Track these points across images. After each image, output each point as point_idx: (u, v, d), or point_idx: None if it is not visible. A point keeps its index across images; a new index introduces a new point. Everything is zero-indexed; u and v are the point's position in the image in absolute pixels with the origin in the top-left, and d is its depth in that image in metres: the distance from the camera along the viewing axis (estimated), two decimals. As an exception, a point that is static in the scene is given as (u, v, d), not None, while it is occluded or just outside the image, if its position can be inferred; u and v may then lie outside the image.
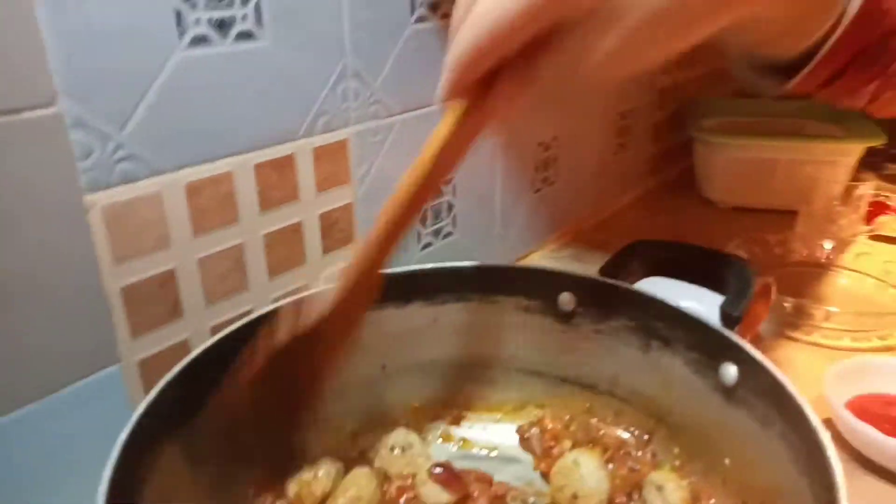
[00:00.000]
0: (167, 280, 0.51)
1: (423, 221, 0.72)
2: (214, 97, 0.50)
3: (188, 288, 0.52)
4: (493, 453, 0.50)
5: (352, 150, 0.61)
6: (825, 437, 0.31)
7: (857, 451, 0.51)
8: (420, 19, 0.64)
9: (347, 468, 0.45)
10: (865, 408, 0.52)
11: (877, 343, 0.68)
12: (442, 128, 0.33)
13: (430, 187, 0.36)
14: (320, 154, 0.58)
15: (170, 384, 0.37)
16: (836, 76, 0.36)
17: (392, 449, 0.47)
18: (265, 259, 0.57)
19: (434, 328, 0.48)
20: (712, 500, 0.40)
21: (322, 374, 0.43)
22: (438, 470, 0.44)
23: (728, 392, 0.39)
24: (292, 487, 0.44)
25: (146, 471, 0.34)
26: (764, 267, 0.84)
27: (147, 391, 0.39)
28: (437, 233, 0.74)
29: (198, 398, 0.40)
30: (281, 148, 0.55)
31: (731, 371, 0.39)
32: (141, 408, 0.36)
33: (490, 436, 0.51)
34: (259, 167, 0.54)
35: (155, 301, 0.50)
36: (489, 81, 0.30)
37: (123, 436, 0.33)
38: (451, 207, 0.75)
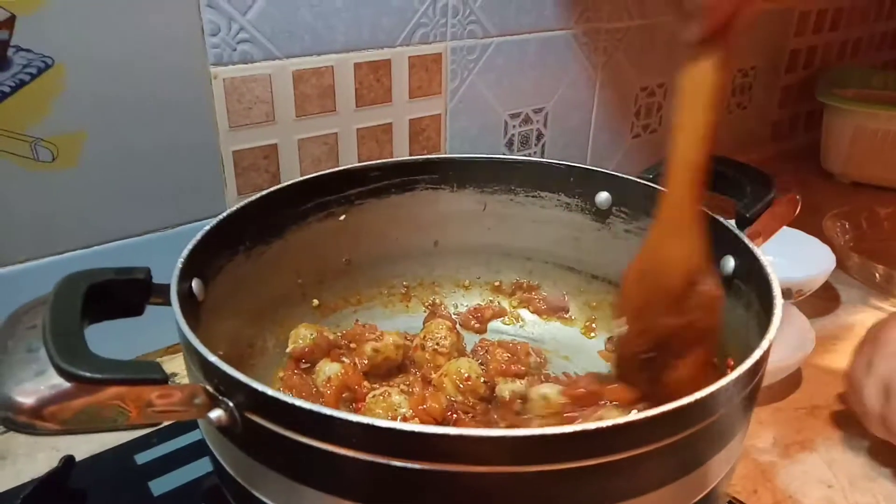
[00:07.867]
0: (270, 153, 0.60)
1: (510, 146, 0.78)
2: (322, -3, 0.58)
3: (287, 164, 0.62)
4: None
5: (446, 64, 0.68)
6: (778, 301, 0.33)
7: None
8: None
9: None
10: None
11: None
12: (708, 73, 0.36)
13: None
14: (415, 63, 0.66)
15: (253, 203, 0.46)
16: None
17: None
18: (357, 151, 0.65)
19: (483, 215, 0.54)
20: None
21: None
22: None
23: (727, 283, 0.42)
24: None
25: (218, 261, 0.42)
26: (864, 238, 0.82)
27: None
28: (523, 157, 0.79)
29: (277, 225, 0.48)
30: (379, 52, 0.63)
31: (730, 262, 0.41)
32: (231, 209, 0.44)
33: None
34: (358, 66, 0.62)
35: (259, 169, 0.60)
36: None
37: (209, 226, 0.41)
38: (540, 136, 0.80)
